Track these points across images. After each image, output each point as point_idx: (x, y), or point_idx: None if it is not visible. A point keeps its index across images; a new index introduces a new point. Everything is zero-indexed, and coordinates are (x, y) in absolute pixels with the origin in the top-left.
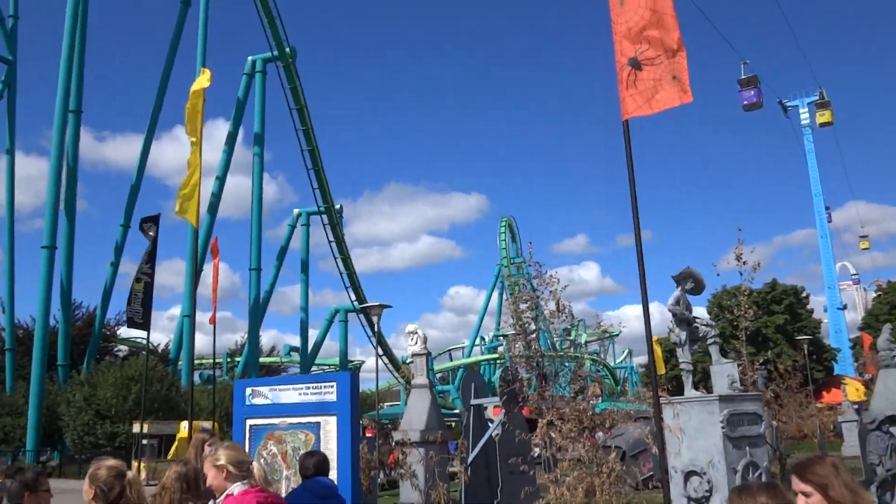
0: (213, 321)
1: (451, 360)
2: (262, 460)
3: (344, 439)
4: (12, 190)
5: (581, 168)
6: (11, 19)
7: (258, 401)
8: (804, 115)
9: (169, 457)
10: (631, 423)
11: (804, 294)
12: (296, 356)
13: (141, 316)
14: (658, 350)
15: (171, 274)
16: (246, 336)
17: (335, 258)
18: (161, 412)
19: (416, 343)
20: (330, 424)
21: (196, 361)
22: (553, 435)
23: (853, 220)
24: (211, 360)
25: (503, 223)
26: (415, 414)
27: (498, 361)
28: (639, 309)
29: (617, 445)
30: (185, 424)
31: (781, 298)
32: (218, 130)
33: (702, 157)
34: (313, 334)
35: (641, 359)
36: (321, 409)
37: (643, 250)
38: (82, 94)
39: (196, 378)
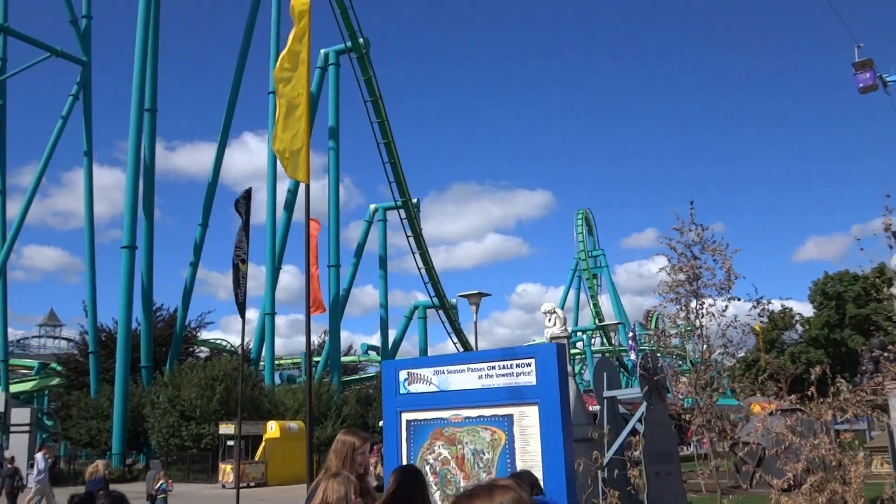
0: (312, 310)
1: None
2: (426, 467)
3: (552, 438)
4: (91, 191)
5: (647, 162)
6: (85, 20)
7: (418, 387)
8: None
9: (257, 458)
10: (767, 416)
11: None
12: (373, 355)
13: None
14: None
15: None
16: (323, 335)
17: (413, 253)
18: (246, 412)
19: (555, 324)
20: (528, 417)
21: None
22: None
23: None
24: (289, 361)
25: (580, 216)
26: None
27: (577, 357)
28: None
29: (756, 442)
30: (271, 424)
31: (892, 283)
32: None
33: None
34: (390, 333)
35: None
36: (515, 395)
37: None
38: (157, 93)
39: (276, 378)
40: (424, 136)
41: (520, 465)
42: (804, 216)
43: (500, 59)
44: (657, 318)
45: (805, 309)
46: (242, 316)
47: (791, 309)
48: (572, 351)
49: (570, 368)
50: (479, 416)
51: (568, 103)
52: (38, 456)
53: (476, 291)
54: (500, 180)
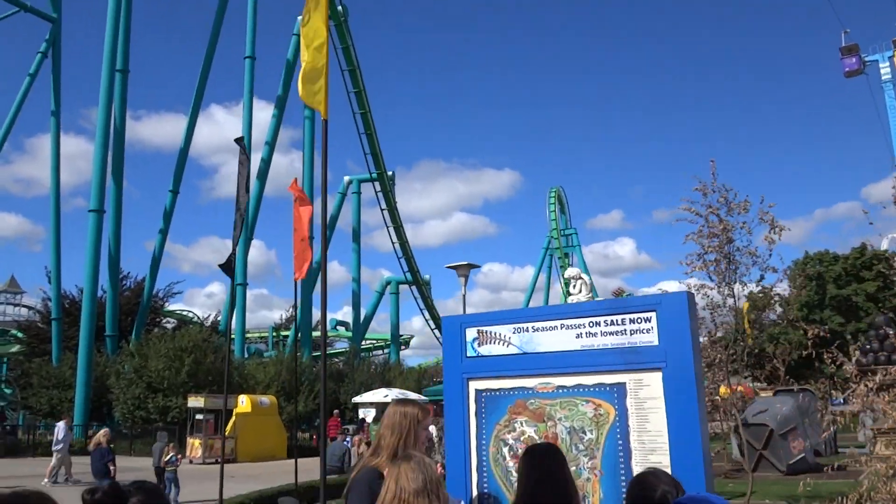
0: (299, 275)
1: None
2: (504, 449)
3: (683, 413)
4: (58, 152)
5: (614, 143)
6: None
7: (492, 349)
8: (885, 71)
9: (227, 433)
10: (773, 396)
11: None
12: (342, 330)
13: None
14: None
15: (208, 251)
16: (291, 309)
17: (387, 227)
18: (215, 385)
19: (580, 291)
20: (648, 386)
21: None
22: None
23: None
24: (256, 335)
25: (552, 194)
26: None
27: None
28: (675, 285)
29: (762, 423)
30: (242, 398)
31: (872, 264)
32: (261, 112)
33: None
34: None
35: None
36: (629, 358)
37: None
38: (129, 54)
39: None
40: (393, 112)
41: (635, 447)
42: (769, 199)
43: (473, 37)
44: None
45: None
46: (231, 276)
47: (771, 288)
48: None
49: None
50: (578, 386)
51: (537, 84)
52: (60, 425)
53: (465, 262)
54: (468, 158)
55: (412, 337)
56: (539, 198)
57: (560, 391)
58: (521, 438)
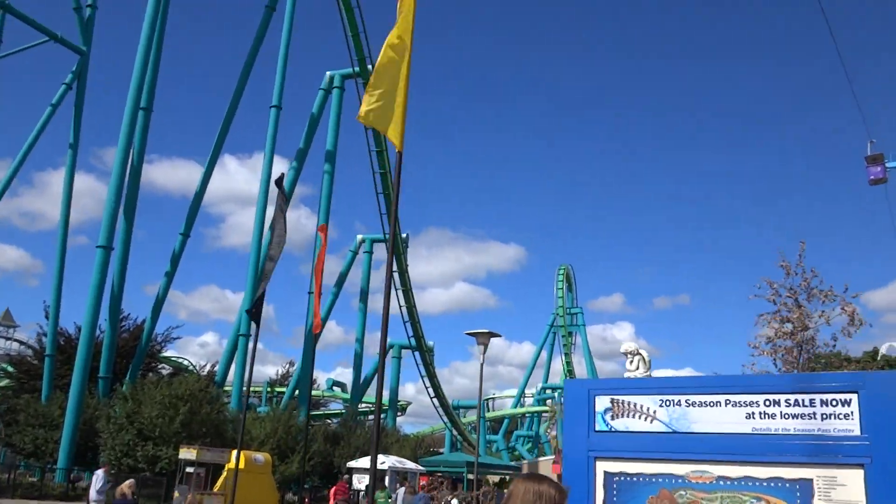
0: (317, 327)
1: (489, 410)
2: None
3: None
4: (71, 184)
5: (620, 227)
6: (89, 9)
7: (630, 423)
8: None
9: (216, 488)
10: None
11: None
12: (338, 391)
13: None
14: None
15: (207, 300)
16: (288, 366)
17: (396, 290)
18: (209, 438)
19: (637, 367)
20: (845, 487)
21: (228, 388)
22: None
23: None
24: (251, 389)
25: (561, 271)
26: None
27: (545, 414)
28: (670, 372)
29: None
30: (235, 454)
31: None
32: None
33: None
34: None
35: None
36: (819, 449)
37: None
38: (154, 92)
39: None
40: (406, 174)
41: None
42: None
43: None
44: None
45: None
46: (257, 322)
47: None
48: (542, 408)
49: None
50: (746, 479)
51: (551, 162)
52: (100, 473)
53: (486, 330)
54: (475, 229)
55: (409, 403)
56: (543, 274)
57: (721, 483)
58: None
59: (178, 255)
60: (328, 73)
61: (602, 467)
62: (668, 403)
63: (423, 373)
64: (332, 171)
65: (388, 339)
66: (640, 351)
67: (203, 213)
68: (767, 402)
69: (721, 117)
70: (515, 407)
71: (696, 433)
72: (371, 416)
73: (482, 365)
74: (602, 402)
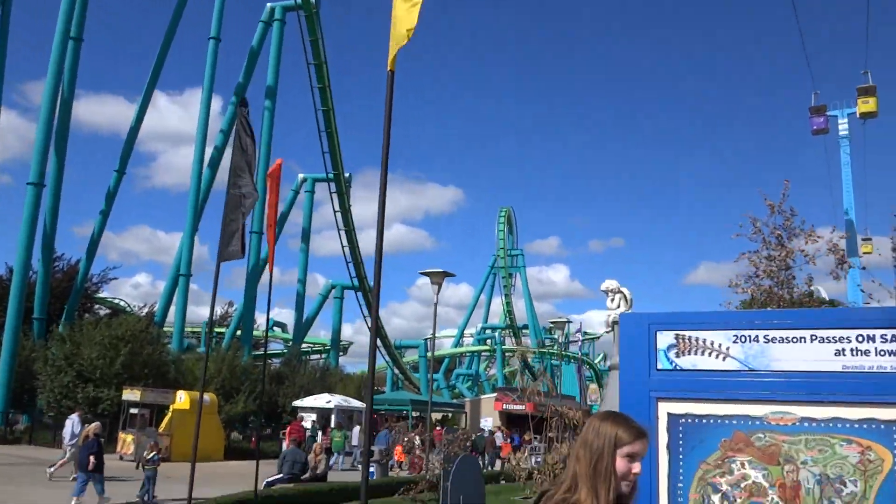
0: (271, 266)
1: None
2: (715, 497)
3: None
4: None
5: (557, 171)
6: None
7: (697, 361)
8: (843, 127)
9: (161, 429)
10: None
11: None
12: (279, 331)
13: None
14: None
15: (138, 241)
16: (227, 307)
17: (339, 230)
18: (151, 379)
19: (618, 305)
20: None
21: (167, 329)
22: None
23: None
24: (187, 329)
25: (502, 213)
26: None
27: (485, 353)
28: (604, 314)
29: None
30: (181, 394)
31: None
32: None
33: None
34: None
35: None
36: None
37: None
38: (85, 22)
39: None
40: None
41: None
42: (699, 240)
43: (435, 51)
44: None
45: None
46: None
47: None
48: (483, 347)
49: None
50: (835, 420)
51: (488, 104)
52: (74, 418)
53: (440, 270)
54: (413, 171)
55: (351, 343)
56: (480, 217)
57: (806, 425)
58: (742, 485)
59: (114, 194)
60: (269, 4)
61: (665, 408)
62: (743, 339)
63: (366, 313)
64: (273, 107)
65: (330, 280)
66: (622, 289)
67: (134, 153)
68: (860, 338)
69: (661, 67)
70: (455, 347)
71: (776, 371)
72: (314, 356)
73: (436, 305)
74: (665, 339)
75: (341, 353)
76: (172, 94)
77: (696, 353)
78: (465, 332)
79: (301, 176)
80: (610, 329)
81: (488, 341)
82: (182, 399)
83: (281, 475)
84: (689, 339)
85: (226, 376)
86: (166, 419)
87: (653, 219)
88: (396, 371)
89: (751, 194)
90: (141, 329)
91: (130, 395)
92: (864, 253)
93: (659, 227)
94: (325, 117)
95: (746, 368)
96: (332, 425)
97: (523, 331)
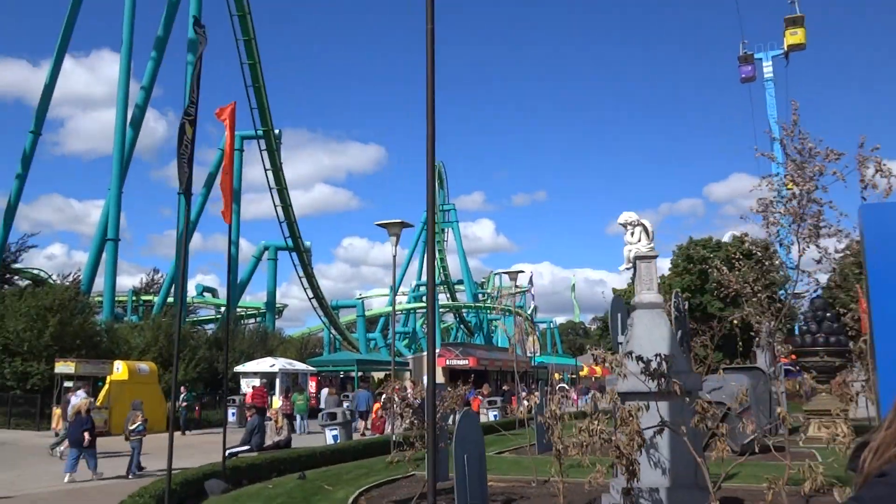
0: (227, 218)
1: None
2: None
3: None
4: None
5: (480, 127)
6: None
7: None
8: (767, 69)
9: (99, 403)
10: (728, 375)
11: (772, 250)
12: (209, 297)
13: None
14: None
15: (50, 210)
16: (153, 273)
17: (270, 189)
18: (84, 350)
19: (638, 239)
20: None
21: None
22: None
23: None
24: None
25: None
26: (647, 347)
27: (418, 312)
28: (531, 267)
29: (720, 401)
30: (118, 364)
31: (751, 252)
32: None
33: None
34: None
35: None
36: None
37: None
38: None
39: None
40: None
41: None
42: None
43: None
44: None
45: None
46: (188, 198)
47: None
48: (419, 305)
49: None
50: None
51: (405, 59)
52: (81, 393)
53: (398, 220)
54: (333, 130)
55: (286, 306)
56: (403, 173)
57: None
58: None
59: (30, 157)
60: None
61: None
62: None
63: (301, 273)
64: (197, 62)
65: (263, 241)
66: (642, 220)
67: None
68: None
69: (587, 14)
70: (390, 305)
71: None
72: (251, 321)
73: (395, 256)
74: None
75: (276, 317)
76: (78, 56)
77: None
78: (398, 290)
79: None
80: (630, 265)
81: (423, 298)
82: (119, 369)
83: (248, 447)
84: None
85: (163, 344)
86: (103, 391)
87: (575, 171)
88: (334, 332)
89: (671, 146)
90: (69, 298)
91: (64, 367)
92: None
93: (581, 179)
94: (252, 71)
95: None
96: (293, 389)
97: (457, 286)
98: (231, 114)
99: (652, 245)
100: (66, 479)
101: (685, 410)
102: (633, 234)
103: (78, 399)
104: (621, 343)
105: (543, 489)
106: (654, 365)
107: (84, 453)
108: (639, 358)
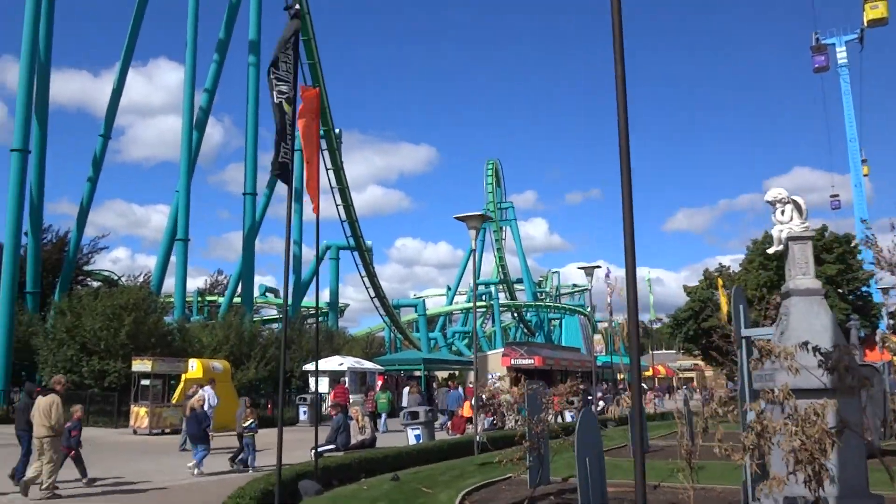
0: (316, 209)
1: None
2: None
3: None
4: None
5: (533, 125)
6: None
7: None
8: (841, 55)
9: (174, 400)
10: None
11: (854, 244)
12: (271, 297)
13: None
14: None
15: (112, 215)
16: (217, 274)
17: (332, 189)
18: (158, 348)
19: (790, 217)
20: None
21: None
22: None
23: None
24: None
25: (490, 166)
26: (806, 339)
27: (483, 310)
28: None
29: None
30: (192, 363)
31: (833, 246)
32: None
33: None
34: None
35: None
36: None
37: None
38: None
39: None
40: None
41: None
42: (677, 188)
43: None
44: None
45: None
46: (287, 181)
47: (728, 268)
48: (481, 305)
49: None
50: None
51: (455, 60)
52: (209, 389)
53: (477, 213)
54: (385, 131)
55: (347, 305)
56: (453, 173)
57: None
58: None
59: (100, 160)
60: None
61: None
62: None
63: (363, 273)
64: (258, 62)
65: (324, 240)
66: (794, 197)
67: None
68: None
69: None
70: (450, 304)
71: None
72: (309, 321)
73: (473, 250)
74: None
75: (339, 316)
76: (135, 65)
77: None
78: (459, 289)
79: None
80: (782, 246)
81: (483, 297)
82: (194, 367)
83: (334, 446)
84: None
85: (234, 343)
86: (179, 389)
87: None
88: (395, 331)
89: (731, 141)
90: (143, 297)
91: (141, 365)
92: (864, 175)
93: (636, 175)
94: (312, 71)
95: None
96: (378, 388)
97: (516, 285)
98: (316, 102)
99: (807, 224)
100: (194, 473)
101: (860, 409)
102: (783, 212)
103: (207, 396)
104: (746, 337)
105: (657, 494)
106: (834, 357)
107: (197, 447)
108: (815, 349)
